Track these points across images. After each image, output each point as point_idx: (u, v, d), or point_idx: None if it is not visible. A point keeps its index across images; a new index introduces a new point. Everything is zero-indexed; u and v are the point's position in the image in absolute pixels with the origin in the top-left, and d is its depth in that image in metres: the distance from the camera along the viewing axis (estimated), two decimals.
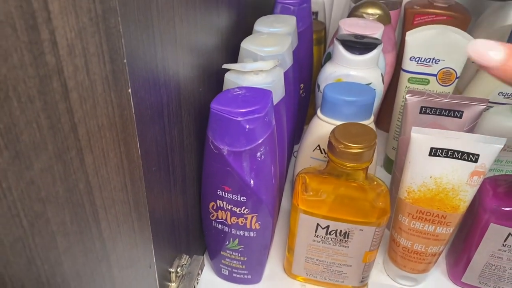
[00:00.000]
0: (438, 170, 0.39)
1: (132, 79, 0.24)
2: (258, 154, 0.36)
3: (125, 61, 0.22)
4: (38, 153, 0.18)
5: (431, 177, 0.39)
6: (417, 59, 0.52)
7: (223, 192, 0.39)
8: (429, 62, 0.52)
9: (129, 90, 0.23)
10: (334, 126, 0.39)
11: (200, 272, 0.41)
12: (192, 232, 0.42)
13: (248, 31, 0.48)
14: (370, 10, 0.55)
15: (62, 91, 0.18)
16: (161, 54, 0.28)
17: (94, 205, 0.22)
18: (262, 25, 0.48)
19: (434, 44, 0.51)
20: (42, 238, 0.19)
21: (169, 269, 0.37)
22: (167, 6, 0.27)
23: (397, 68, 0.58)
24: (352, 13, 0.56)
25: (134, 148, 0.25)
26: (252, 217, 0.40)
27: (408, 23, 0.60)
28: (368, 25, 0.51)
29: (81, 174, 0.21)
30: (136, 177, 0.26)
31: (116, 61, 0.21)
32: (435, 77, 0.52)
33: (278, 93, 0.41)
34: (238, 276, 0.44)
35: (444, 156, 0.38)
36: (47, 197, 0.19)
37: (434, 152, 0.38)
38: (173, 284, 0.38)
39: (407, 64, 0.53)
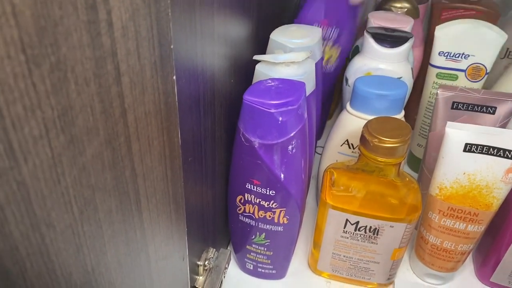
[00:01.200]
0: (472, 167, 0.38)
1: (177, 66, 0.23)
2: (290, 147, 0.36)
3: (172, 46, 0.21)
4: (90, 138, 0.17)
5: (464, 173, 0.39)
6: (446, 54, 0.51)
7: (252, 186, 0.38)
8: (458, 57, 0.51)
9: (174, 77, 0.22)
10: (365, 121, 0.38)
11: (227, 266, 0.41)
12: (218, 226, 0.42)
13: (277, 23, 0.47)
14: (399, 4, 0.54)
15: (115, 74, 0.18)
16: (200, 43, 0.28)
17: (137, 194, 0.22)
18: (281, 36, 0.42)
19: (464, 39, 0.50)
20: (90, 226, 0.19)
21: (198, 262, 0.37)
22: (207, 4, 0.27)
23: (424, 63, 0.57)
24: (380, 6, 0.55)
25: (175, 137, 0.25)
26: (281, 211, 0.39)
27: (435, 17, 0.59)
28: (397, 19, 0.50)
29: (128, 161, 0.20)
30: (176, 167, 0.26)
31: (164, 46, 0.21)
32: (464, 73, 0.51)
33: (309, 86, 0.40)
34: (263, 271, 0.44)
35: (479, 152, 0.37)
36: (96, 184, 0.18)
37: (469, 148, 0.38)
38: (200, 277, 0.37)
39: (436, 59, 0.52)
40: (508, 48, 0.57)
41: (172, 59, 0.22)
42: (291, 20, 0.54)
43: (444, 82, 0.53)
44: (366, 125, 0.37)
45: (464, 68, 0.51)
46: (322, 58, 0.46)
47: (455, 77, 0.52)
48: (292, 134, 0.35)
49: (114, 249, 0.21)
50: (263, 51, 0.44)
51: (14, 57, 0.13)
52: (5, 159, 0.13)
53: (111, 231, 0.20)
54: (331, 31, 0.49)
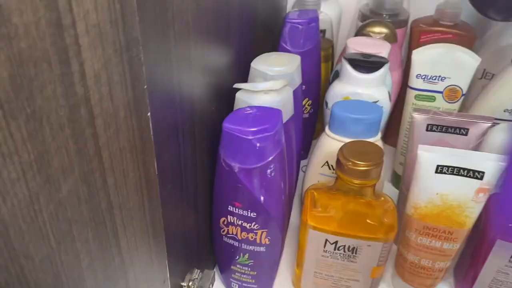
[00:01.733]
0: (444, 187, 0.40)
1: (151, 103, 0.25)
2: (268, 171, 0.38)
3: (145, 87, 0.23)
4: (66, 176, 0.19)
5: (437, 193, 0.40)
6: (423, 77, 0.53)
7: (234, 208, 0.40)
8: (435, 79, 0.53)
9: (148, 114, 0.24)
10: (342, 143, 0.40)
11: (211, 286, 0.42)
12: (203, 247, 0.43)
13: (259, 50, 0.50)
14: (377, 29, 0.56)
15: (89, 118, 0.20)
16: (177, 76, 0.30)
17: (114, 223, 0.24)
18: (261, 64, 0.44)
19: (441, 62, 0.52)
20: (67, 256, 0.20)
21: (181, 284, 0.38)
22: (183, 33, 0.29)
23: (404, 85, 0.59)
24: (359, 32, 0.58)
25: (151, 168, 0.26)
26: (262, 232, 0.41)
27: (414, 41, 0.61)
28: (375, 44, 0.52)
29: (104, 194, 0.22)
30: (153, 196, 0.27)
31: (137, 87, 0.23)
32: (441, 94, 0.53)
33: (287, 112, 0.42)
34: None
35: (450, 173, 0.39)
36: (73, 217, 0.20)
37: (440, 169, 0.39)
38: None
39: (414, 82, 0.54)
40: (485, 69, 0.59)
41: (146, 98, 0.24)
42: (274, 47, 0.57)
43: (422, 103, 0.55)
44: (341, 149, 0.39)
45: (441, 90, 0.53)
46: (301, 84, 0.49)
47: (433, 99, 0.54)
48: (270, 159, 0.37)
49: (92, 276, 0.23)
50: (245, 78, 0.46)
51: None
52: None
53: (89, 259, 0.22)
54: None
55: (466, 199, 0.39)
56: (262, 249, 0.42)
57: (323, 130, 0.47)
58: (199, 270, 0.41)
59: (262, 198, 0.38)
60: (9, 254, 0.17)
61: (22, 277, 0.18)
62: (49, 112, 0.17)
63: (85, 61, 0.19)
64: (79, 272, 0.21)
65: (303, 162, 0.64)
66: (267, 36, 0.52)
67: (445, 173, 0.39)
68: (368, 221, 0.41)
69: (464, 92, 0.53)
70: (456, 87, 0.52)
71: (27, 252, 0.18)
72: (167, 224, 0.31)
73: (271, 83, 0.40)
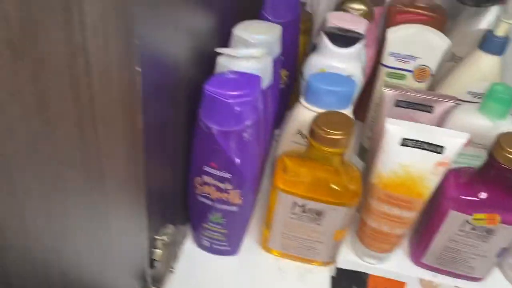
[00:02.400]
0: (407, 159, 0.43)
1: (141, 59, 0.26)
2: (245, 134, 0.39)
3: (137, 42, 0.24)
4: (63, 120, 0.20)
5: (400, 164, 0.43)
6: (396, 55, 0.56)
7: (210, 168, 0.42)
8: (406, 58, 0.55)
9: (139, 69, 0.25)
10: (316, 113, 0.42)
11: (183, 241, 0.44)
12: (177, 204, 0.45)
13: (241, 18, 0.51)
14: (356, 5, 0.58)
15: (85, 67, 0.21)
16: (164, 36, 0.31)
17: (101, 170, 0.25)
18: (243, 32, 0.45)
19: (413, 42, 0.54)
20: (59, 195, 0.22)
21: (156, 237, 0.40)
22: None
23: (377, 62, 0.62)
24: (338, 7, 0.59)
25: (138, 122, 0.28)
26: (235, 193, 0.43)
27: (390, 20, 0.63)
28: (353, 20, 0.54)
29: (94, 141, 0.23)
30: (138, 148, 0.29)
31: (129, 42, 0.24)
32: (411, 73, 0.56)
33: (266, 79, 0.44)
34: (218, 247, 0.48)
35: (413, 147, 0.42)
36: (66, 160, 0.21)
37: (405, 142, 0.42)
38: (159, 251, 0.40)
39: (386, 59, 0.56)
40: (453, 53, 0.62)
41: (137, 53, 0.25)
42: (255, 16, 0.57)
43: (393, 81, 0.57)
44: (314, 118, 0.41)
45: (412, 69, 0.56)
46: (280, 54, 0.50)
47: (404, 77, 0.57)
48: (247, 123, 0.39)
49: (78, 217, 0.24)
50: (226, 44, 0.47)
51: (2, 51, 0.16)
52: None
53: (77, 200, 0.24)
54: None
55: (426, 171, 0.43)
56: (235, 208, 0.44)
57: (297, 101, 0.49)
58: (173, 226, 0.43)
59: (237, 160, 0.40)
60: (8, 188, 0.18)
61: (20, 213, 0.19)
62: (51, 56, 0.18)
63: (85, 11, 0.20)
64: (67, 212, 0.23)
65: (276, 132, 0.66)
66: (249, 4, 0.53)
67: (409, 146, 0.42)
68: (334, 186, 0.43)
69: (432, 72, 0.56)
70: (425, 67, 0.55)
71: (27, 190, 0.19)
72: (148, 177, 0.33)
73: (253, 50, 0.41)
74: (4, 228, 0.18)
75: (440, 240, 0.47)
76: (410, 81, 0.57)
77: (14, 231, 0.19)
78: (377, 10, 0.62)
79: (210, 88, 0.38)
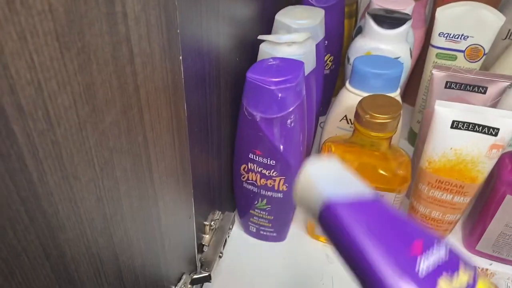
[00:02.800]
0: (458, 142, 0.41)
1: (183, 47, 0.27)
2: (288, 121, 0.39)
3: (178, 31, 0.25)
4: (109, 108, 0.21)
5: (451, 148, 0.42)
6: (445, 35, 0.53)
7: (254, 156, 0.42)
8: (457, 38, 0.53)
9: (180, 57, 0.26)
10: (362, 98, 0.41)
11: (231, 227, 0.45)
12: (224, 191, 0.46)
13: (283, 3, 0.50)
14: None
15: (129, 56, 0.21)
16: (206, 25, 0.31)
17: (149, 157, 0.26)
18: (285, 17, 0.46)
19: (464, 21, 0.52)
20: (108, 181, 0.23)
21: (204, 222, 0.41)
22: None
23: (426, 43, 0.59)
24: None
25: (182, 110, 0.28)
26: (280, 179, 0.43)
27: None
28: (399, 1, 0.52)
29: (140, 129, 0.24)
30: (182, 136, 0.29)
31: (171, 31, 0.24)
32: (462, 53, 0.54)
33: (309, 65, 0.43)
34: (265, 233, 0.48)
35: (465, 129, 0.40)
36: (114, 147, 0.22)
37: (456, 124, 0.40)
38: (207, 236, 0.41)
39: (436, 40, 0.54)
40: (510, 29, 0.58)
41: (178, 42, 0.25)
42: (298, 0, 0.57)
43: (443, 62, 0.55)
44: (360, 102, 0.40)
45: (463, 49, 0.53)
46: (324, 38, 0.49)
47: (454, 57, 0.54)
48: (290, 109, 0.39)
49: (128, 202, 0.25)
50: (269, 31, 0.47)
51: (50, 44, 0.17)
52: (43, 122, 0.17)
53: (126, 187, 0.25)
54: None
55: (479, 154, 0.41)
56: (280, 195, 0.44)
57: (342, 86, 0.48)
58: (220, 212, 0.44)
59: (281, 146, 0.40)
60: (62, 173, 0.19)
61: (72, 195, 0.20)
62: (96, 47, 0.19)
63: (127, 3, 0.20)
64: (118, 197, 0.24)
65: (321, 119, 0.65)
66: None
67: (460, 128, 0.40)
68: (382, 172, 0.42)
69: (486, 52, 0.53)
70: (478, 46, 0.52)
71: (75, 174, 0.20)
72: (193, 164, 0.33)
73: (295, 35, 0.41)
74: (57, 210, 0.19)
75: (495, 226, 0.45)
76: (461, 62, 0.54)
77: (67, 214, 0.20)
78: None
79: (252, 75, 0.38)
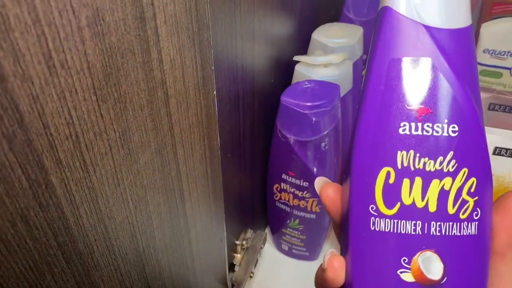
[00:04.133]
0: (501, 169, 0.39)
1: (217, 81, 0.27)
2: (322, 144, 0.39)
3: (213, 67, 0.25)
4: (144, 150, 0.22)
5: (494, 175, 0.40)
6: (491, 52, 0.51)
7: (287, 176, 0.42)
8: (503, 55, 0.51)
9: (215, 92, 0.26)
10: None
11: (262, 246, 0.45)
12: (256, 210, 0.46)
13: (321, 19, 0.50)
14: None
15: (164, 98, 0.22)
16: (241, 52, 0.31)
17: (181, 190, 0.26)
18: (322, 36, 0.45)
19: (510, 37, 0.50)
20: (142, 217, 0.23)
21: (236, 242, 0.41)
22: (249, 11, 0.30)
23: None
24: None
25: (215, 141, 0.29)
26: (313, 201, 0.43)
27: (485, 12, 0.58)
28: None
29: (174, 164, 0.25)
30: (215, 165, 0.30)
31: (205, 68, 0.25)
32: (509, 71, 0.51)
33: (345, 86, 0.43)
34: (297, 252, 0.48)
35: (508, 156, 0.39)
36: (148, 184, 0.23)
37: (498, 151, 0.39)
38: (238, 255, 0.42)
39: (480, 57, 0.52)
40: None
41: (213, 78, 0.26)
42: (336, 15, 0.56)
43: (488, 79, 0.53)
44: None
45: (510, 66, 0.51)
46: (362, 56, 0.48)
47: (499, 75, 0.52)
48: (325, 133, 0.38)
49: (161, 234, 0.26)
50: (305, 49, 0.47)
51: (88, 98, 0.17)
52: (80, 171, 0.18)
53: (159, 220, 0.25)
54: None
55: None
56: (313, 216, 0.44)
57: None
58: (252, 231, 0.44)
59: (315, 169, 0.40)
60: (97, 215, 0.20)
61: (106, 234, 0.21)
62: (132, 95, 0.19)
63: (163, 49, 0.21)
64: (151, 231, 0.25)
65: None
66: (329, 4, 0.52)
67: (503, 155, 0.39)
68: None
69: None
70: None
71: (110, 214, 0.21)
72: (225, 189, 0.34)
73: (331, 57, 0.40)
74: (92, 250, 0.20)
75: None
76: (507, 79, 0.52)
77: (101, 252, 0.21)
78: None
79: (287, 99, 0.38)
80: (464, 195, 0.17)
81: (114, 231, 0.21)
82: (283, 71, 0.43)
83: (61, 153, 0.17)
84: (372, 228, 0.17)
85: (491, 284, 0.18)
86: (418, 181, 0.17)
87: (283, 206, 0.45)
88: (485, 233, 0.17)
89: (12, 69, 0.14)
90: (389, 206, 0.17)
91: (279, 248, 0.49)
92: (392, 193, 0.17)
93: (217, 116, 0.28)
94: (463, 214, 0.17)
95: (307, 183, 0.41)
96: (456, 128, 0.17)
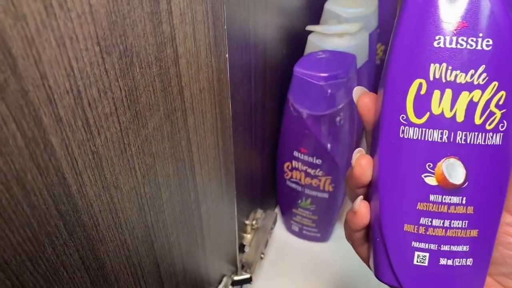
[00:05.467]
0: None
1: (229, 44, 0.25)
2: (338, 119, 0.37)
3: (225, 27, 0.23)
4: (152, 113, 0.20)
5: None
6: None
7: (299, 154, 0.40)
8: None
9: (227, 55, 0.24)
10: None
11: (273, 226, 0.43)
12: (266, 189, 0.44)
13: None
14: None
15: (174, 57, 0.20)
16: (253, 19, 0.29)
17: (192, 161, 0.24)
18: (336, 5, 0.43)
19: None
20: (150, 188, 0.22)
21: (246, 222, 0.40)
22: None
23: None
24: None
25: (227, 110, 0.27)
26: (326, 179, 0.41)
27: None
28: None
29: (184, 133, 0.23)
30: (226, 136, 0.28)
31: (218, 27, 0.23)
32: None
33: (361, 57, 0.41)
34: (308, 233, 0.46)
35: None
36: (157, 152, 0.21)
37: None
38: (248, 235, 0.40)
39: None
40: None
41: (225, 39, 0.24)
42: None
43: None
44: None
45: None
46: (377, 27, 0.46)
47: None
48: (340, 106, 0.36)
49: (170, 208, 0.24)
50: (317, 20, 0.45)
51: (91, 49, 0.15)
52: (83, 132, 0.16)
53: (169, 192, 0.23)
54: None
55: None
56: (325, 195, 0.42)
57: None
58: (262, 210, 0.42)
59: (329, 145, 0.38)
60: (102, 183, 0.18)
61: (112, 205, 0.19)
62: (139, 49, 0.17)
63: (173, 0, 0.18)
64: (160, 204, 0.23)
65: None
66: None
67: None
68: None
69: None
70: None
71: (116, 183, 0.19)
72: (237, 164, 0.32)
73: (346, 26, 0.38)
74: (97, 222, 0.18)
75: None
76: None
77: (107, 225, 0.19)
78: None
79: (300, 69, 0.36)
80: (492, 107, 0.18)
81: (121, 202, 0.20)
82: (296, 43, 0.40)
83: (61, 109, 0.15)
84: (401, 136, 0.18)
85: (511, 191, 0.19)
86: (448, 92, 0.17)
87: (294, 185, 0.43)
88: (509, 144, 0.18)
89: (2, 3, 0.12)
90: (419, 115, 0.18)
91: (289, 229, 0.48)
92: (422, 104, 0.18)
93: (229, 82, 0.26)
94: (489, 125, 0.18)
95: (320, 161, 0.39)
96: (490, 42, 0.17)
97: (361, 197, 0.20)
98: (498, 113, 0.18)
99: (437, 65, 0.17)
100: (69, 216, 0.17)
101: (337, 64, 0.36)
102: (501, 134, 0.18)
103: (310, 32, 0.41)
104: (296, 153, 0.40)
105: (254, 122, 0.35)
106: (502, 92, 0.17)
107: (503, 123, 0.18)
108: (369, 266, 0.22)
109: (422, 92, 0.18)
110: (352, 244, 0.23)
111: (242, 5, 0.27)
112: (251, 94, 0.32)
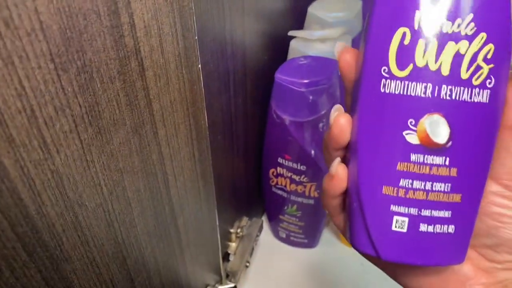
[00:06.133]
0: None
1: (202, 54, 0.24)
2: (320, 125, 0.37)
3: (196, 37, 0.23)
4: (117, 128, 0.19)
5: None
6: None
7: (284, 160, 0.40)
8: None
9: (199, 66, 0.24)
10: None
11: (259, 234, 0.43)
12: (252, 196, 0.44)
13: None
14: None
15: (139, 70, 0.19)
16: (229, 25, 0.29)
17: (165, 174, 0.24)
18: (319, 9, 0.42)
19: None
20: (119, 204, 0.21)
21: (230, 230, 0.39)
22: None
23: None
24: None
25: (202, 120, 0.26)
26: (311, 185, 0.40)
27: None
28: None
29: (155, 146, 0.22)
30: (203, 147, 0.27)
31: (188, 38, 0.22)
32: None
33: None
34: (295, 239, 0.46)
35: None
36: (125, 167, 0.21)
37: None
38: (233, 244, 0.40)
39: None
40: None
41: (196, 49, 0.23)
42: None
43: None
44: None
45: None
46: (361, 33, 0.46)
47: None
48: (323, 112, 0.36)
49: (143, 223, 0.23)
50: (301, 25, 0.44)
51: (44, 66, 0.15)
52: (39, 152, 0.16)
53: (140, 207, 0.23)
54: None
55: None
56: (311, 201, 0.42)
57: None
58: (247, 218, 0.42)
59: (312, 152, 0.38)
60: (64, 202, 0.18)
61: (77, 223, 0.19)
62: (99, 64, 0.17)
63: (135, 12, 0.18)
64: (131, 219, 0.22)
65: None
66: None
67: None
68: None
69: None
70: None
71: (81, 201, 0.18)
72: (217, 173, 0.31)
73: (329, 31, 0.38)
74: (61, 242, 0.18)
75: None
76: None
77: (72, 244, 0.19)
78: None
79: (281, 76, 0.35)
80: (480, 61, 0.17)
81: (87, 220, 0.19)
82: (278, 48, 0.40)
83: (13, 130, 0.14)
84: (382, 91, 0.17)
85: (497, 157, 0.18)
86: (434, 42, 0.16)
87: (280, 192, 0.42)
88: (496, 103, 0.17)
89: None
90: (402, 67, 0.17)
91: (277, 235, 0.47)
92: (405, 54, 0.17)
93: (203, 93, 0.25)
94: (476, 80, 0.17)
95: (305, 167, 0.39)
96: None
97: (338, 159, 0.19)
98: (486, 68, 0.17)
99: (423, 12, 0.16)
100: (28, 238, 0.16)
101: (319, 70, 0.35)
102: (488, 91, 0.17)
103: (292, 37, 0.40)
104: (280, 160, 0.40)
105: (235, 130, 0.35)
106: (490, 45, 0.16)
107: (491, 79, 0.17)
108: (345, 236, 0.20)
109: (406, 42, 0.16)
110: (330, 213, 0.21)
111: (215, 13, 0.26)
112: (230, 101, 0.32)
